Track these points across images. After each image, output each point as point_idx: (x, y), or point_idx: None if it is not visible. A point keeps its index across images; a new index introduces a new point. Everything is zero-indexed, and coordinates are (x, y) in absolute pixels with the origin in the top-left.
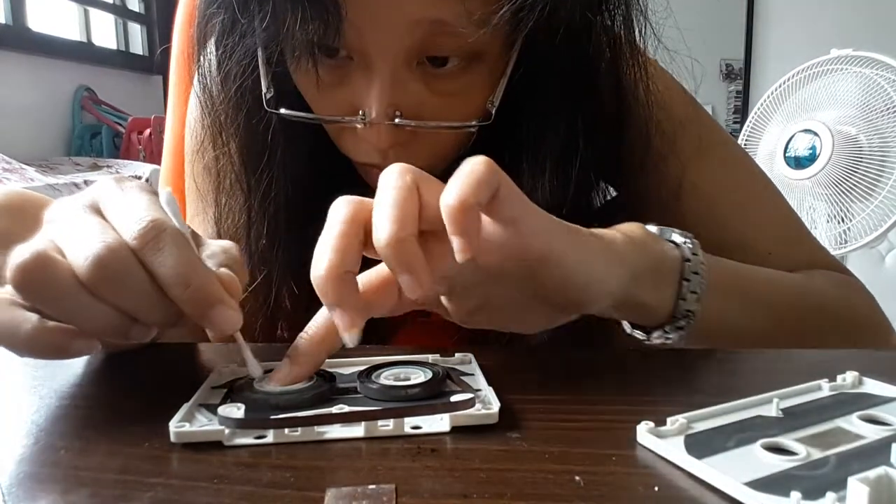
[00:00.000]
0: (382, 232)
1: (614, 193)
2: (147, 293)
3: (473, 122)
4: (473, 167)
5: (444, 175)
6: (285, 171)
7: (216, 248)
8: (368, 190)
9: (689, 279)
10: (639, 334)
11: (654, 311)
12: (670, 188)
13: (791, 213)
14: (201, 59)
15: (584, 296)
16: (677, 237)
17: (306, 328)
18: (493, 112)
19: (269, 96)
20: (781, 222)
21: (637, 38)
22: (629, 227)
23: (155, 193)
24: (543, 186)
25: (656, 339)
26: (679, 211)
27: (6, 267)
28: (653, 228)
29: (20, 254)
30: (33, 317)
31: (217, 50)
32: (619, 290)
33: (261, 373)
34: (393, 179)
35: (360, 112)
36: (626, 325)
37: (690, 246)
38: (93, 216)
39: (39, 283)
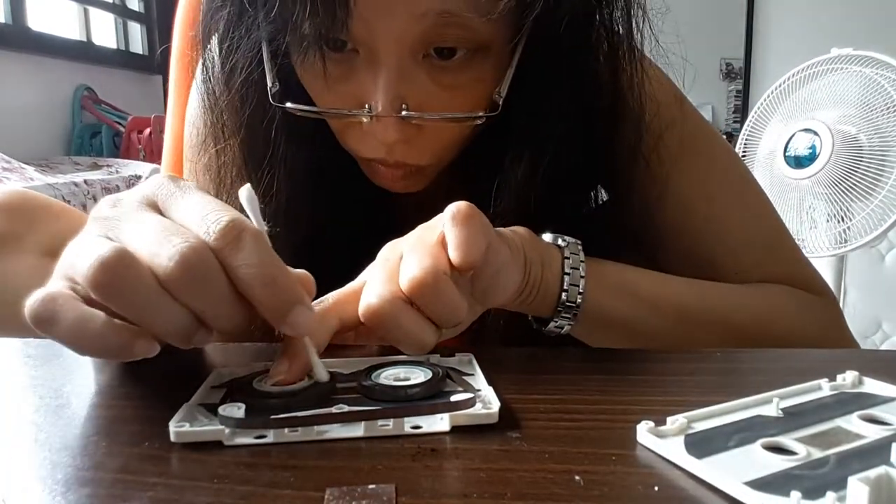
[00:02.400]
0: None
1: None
2: (226, 295)
3: (481, 114)
4: (467, 234)
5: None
6: (287, 169)
7: None
8: (371, 187)
9: (569, 273)
10: (535, 325)
11: (545, 302)
12: (652, 195)
13: (770, 224)
14: (205, 54)
15: (499, 286)
16: (560, 241)
17: None
18: (501, 103)
19: (274, 90)
20: (757, 236)
21: (635, 34)
22: (516, 228)
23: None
24: (537, 174)
25: (550, 328)
26: (659, 218)
27: (78, 262)
28: (547, 236)
29: (98, 250)
30: (101, 314)
31: (222, 44)
32: (520, 278)
33: (327, 376)
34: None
35: (367, 106)
36: (532, 319)
37: (570, 247)
38: (158, 215)
39: (121, 281)
